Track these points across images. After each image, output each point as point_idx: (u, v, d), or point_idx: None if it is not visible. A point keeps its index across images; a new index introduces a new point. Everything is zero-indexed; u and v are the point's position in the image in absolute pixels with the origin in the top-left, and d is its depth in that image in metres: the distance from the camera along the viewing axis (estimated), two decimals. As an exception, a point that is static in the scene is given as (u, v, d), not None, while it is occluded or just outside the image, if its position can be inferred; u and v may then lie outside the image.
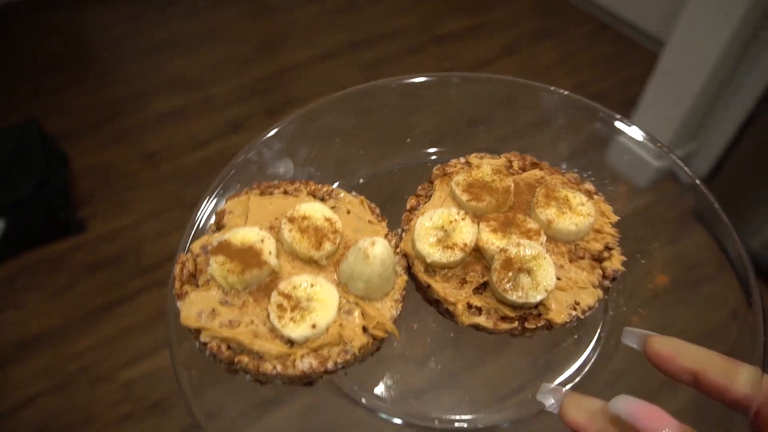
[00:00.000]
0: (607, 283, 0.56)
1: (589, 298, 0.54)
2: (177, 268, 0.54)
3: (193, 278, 0.54)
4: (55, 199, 2.13)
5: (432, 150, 0.74)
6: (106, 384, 1.75)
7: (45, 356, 1.82)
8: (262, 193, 0.61)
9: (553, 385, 0.53)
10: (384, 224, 0.61)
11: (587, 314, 0.54)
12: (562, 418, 0.47)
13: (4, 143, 2.19)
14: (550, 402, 0.52)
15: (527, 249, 0.53)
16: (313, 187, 0.63)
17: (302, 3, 3.21)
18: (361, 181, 0.72)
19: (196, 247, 0.56)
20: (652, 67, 2.09)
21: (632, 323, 0.58)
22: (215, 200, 0.64)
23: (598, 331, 0.61)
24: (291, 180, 0.63)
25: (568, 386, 0.57)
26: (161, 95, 2.67)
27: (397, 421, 0.58)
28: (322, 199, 0.62)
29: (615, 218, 0.60)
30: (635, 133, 0.67)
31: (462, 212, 0.58)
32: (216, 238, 0.55)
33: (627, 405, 0.42)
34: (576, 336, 0.61)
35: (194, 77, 2.76)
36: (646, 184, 0.72)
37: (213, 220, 0.60)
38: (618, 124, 0.68)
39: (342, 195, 0.62)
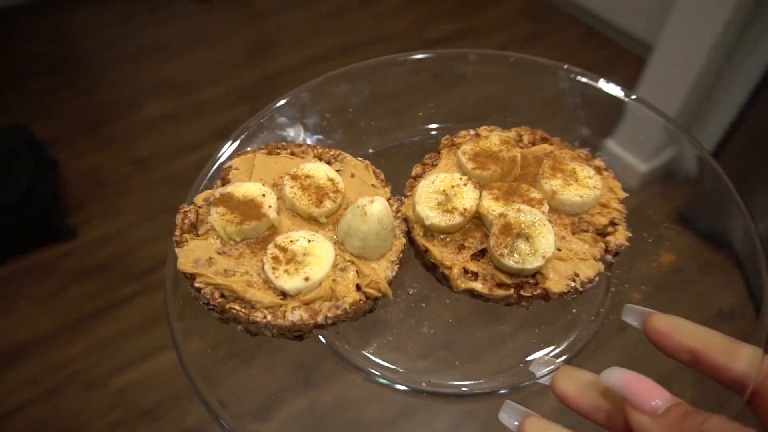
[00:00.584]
0: (609, 257, 0.55)
1: (590, 270, 0.53)
2: (179, 217, 0.55)
3: (193, 228, 0.56)
4: (44, 205, 2.10)
5: (440, 125, 0.75)
6: (97, 391, 1.72)
7: (35, 363, 1.78)
8: (269, 153, 0.62)
9: (546, 357, 0.53)
10: (387, 189, 0.61)
11: (587, 287, 0.53)
12: (553, 390, 0.46)
13: (-7, 147, 2.15)
14: (542, 373, 0.52)
15: (527, 215, 0.52)
16: (320, 151, 0.63)
17: (293, 7, 3.21)
18: (371, 151, 0.73)
19: (199, 199, 0.58)
20: (641, 71, 2.11)
21: (634, 301, 0.57)
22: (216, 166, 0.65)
23: (598, 307, 0.60)
24: (298, 143, 0.64)
25: (560, 360, 0.56)
26: (151, 99, 2.66)
27: (383, 381, 0.57)
28: (328, 162, 0.62)
29: (623, 194, 0.59)
30: (655, 119, 0.67)
31: (465, 177, 0.57)
32: (218, 190, 0.56)
33: (618, 376, 0.41)
34: (574, 310, 0.60)
35: (185, 81, 2.75)
36: (659, 171, 0.72)
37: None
38: (634, 105, 0.68)
39: (348, 159, 0.63)
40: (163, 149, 2.43)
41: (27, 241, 2.09)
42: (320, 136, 0.72)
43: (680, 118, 2.10)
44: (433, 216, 0.55)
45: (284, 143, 0.64)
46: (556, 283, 0.52)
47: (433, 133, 0.75)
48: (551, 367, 0.51)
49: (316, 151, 0.63)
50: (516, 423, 0.45)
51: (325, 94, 0.72)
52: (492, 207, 0.55)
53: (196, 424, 1.66)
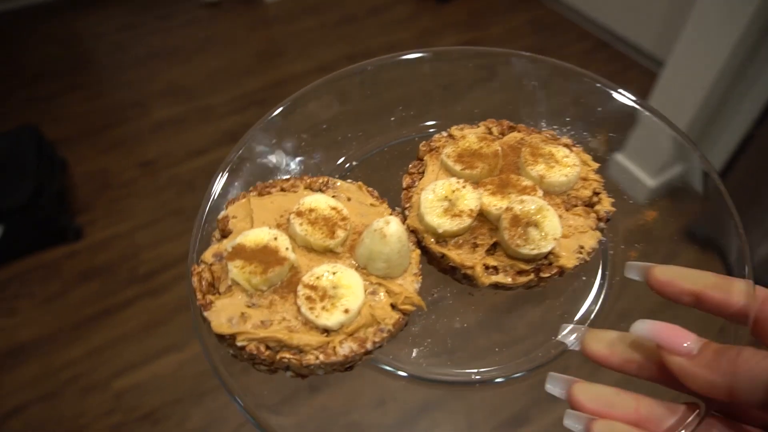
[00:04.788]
0: (602, 224, 0.60)
1: (591, 240, 0.58)
2: (194, 280, 0.53)
3: (212, 287, 0.54)
4: (52, 205, 2.11)
5: (416, 125, 0.76)
6: (97, 394, 1.73)
7: (35, 365, 1.79)
8: (260, 194, 0.61)
9: (572, 325, 0.57)
10: (385, 205, 0.62)
11: (591, 255, 0.58)
12: (584, 352, 0.50)
13: (2, 148, 2.17)
14: (570, 340, 0.56)
15: (530, 204, 0.56)
16: (309, 181, 0.63)
17: (301, 15, 3.24)
18: (354, 163, 0.73)
19: (207, 256, 0.55)
20: (649, 85, 2.11)
21: (631, 258, 0.61)
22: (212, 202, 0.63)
23: (602, 270, 0.65)
24: (286, 178, 0.63)
25: (583, 324, 0.60)
26: (159, 103, 2.69)
27: (436, 379, 0.59)
28: (320, 191, 0.62)
29: (596, 165, 0.64)
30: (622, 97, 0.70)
31: (462, 181, 0.60)
32: (229, 244, 0.54)
33: (649, 326, 0.45)
34: (584, 278, 0.64)
35: (192, 86, 2.79)
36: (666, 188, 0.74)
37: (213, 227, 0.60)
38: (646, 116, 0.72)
39: (339, 183, 0.63)
40: (170, 153, 2.45)
41: (34, 240, 2.11)
42: (301, 158, 0.71)
43: (689, 134, 2.10)
44: (444, 223, 0.57)
45: (272, 181, 0.63)
46: (568, 258, 0.56)
47: (408, 134, 0.76)
48: (578, 331, 0.55)
49: (305, 182, 0.63)
50: (563, 391, 0.48)
51: (296, 115, 0.71)
52: (492, 202, 0.59)
53: (196, 428, 1.66)
